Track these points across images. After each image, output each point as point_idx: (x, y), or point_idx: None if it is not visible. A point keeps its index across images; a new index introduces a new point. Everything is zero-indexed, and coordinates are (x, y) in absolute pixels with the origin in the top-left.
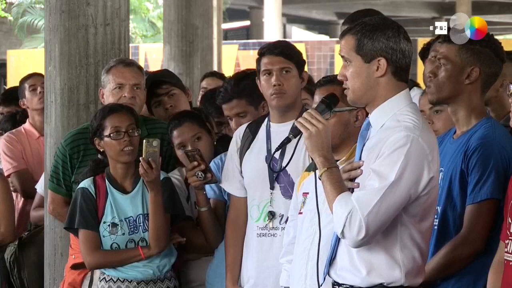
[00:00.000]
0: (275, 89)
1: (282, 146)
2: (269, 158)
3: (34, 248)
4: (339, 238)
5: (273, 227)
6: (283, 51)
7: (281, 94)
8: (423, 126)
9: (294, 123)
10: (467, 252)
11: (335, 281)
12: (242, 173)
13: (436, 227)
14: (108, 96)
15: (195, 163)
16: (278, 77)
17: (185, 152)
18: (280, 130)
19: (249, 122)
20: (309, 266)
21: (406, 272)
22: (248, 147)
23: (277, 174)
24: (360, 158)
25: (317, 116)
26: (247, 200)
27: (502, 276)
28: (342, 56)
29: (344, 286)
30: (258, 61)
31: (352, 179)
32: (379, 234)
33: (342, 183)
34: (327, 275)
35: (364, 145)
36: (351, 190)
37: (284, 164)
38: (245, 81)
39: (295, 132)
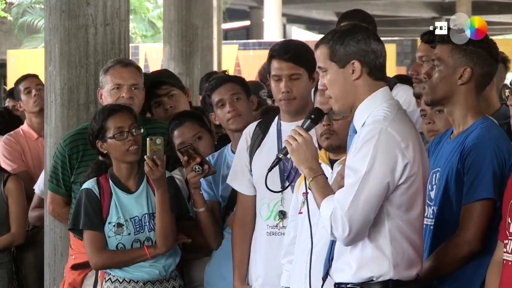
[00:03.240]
0: (284, 95)
1: (274, 166)
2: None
3: (32, 249)
4: None
5: (283, 226)
6: (293, 56)
7: (290, 100)
8: (395, 118)
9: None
10: (463, 252)
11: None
12: (251, 172)
13: (432, 227)
14: (106, 96)
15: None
16: (287, 84)
17: (177, 150)
18: (291, 129)
19: (259, 121)
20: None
21: (395, 265)
22: (259, 146)
23: (288, 174)
24: None
25: (300, 131)
26: (257, 198)
27: (501, 276)
28: (319, 67)
29: (338, 284)
30: (269, 61)
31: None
32: (371, 229)
33: (328, 188)
34: (329, 276)
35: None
36: None
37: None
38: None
39: (284, 151)
